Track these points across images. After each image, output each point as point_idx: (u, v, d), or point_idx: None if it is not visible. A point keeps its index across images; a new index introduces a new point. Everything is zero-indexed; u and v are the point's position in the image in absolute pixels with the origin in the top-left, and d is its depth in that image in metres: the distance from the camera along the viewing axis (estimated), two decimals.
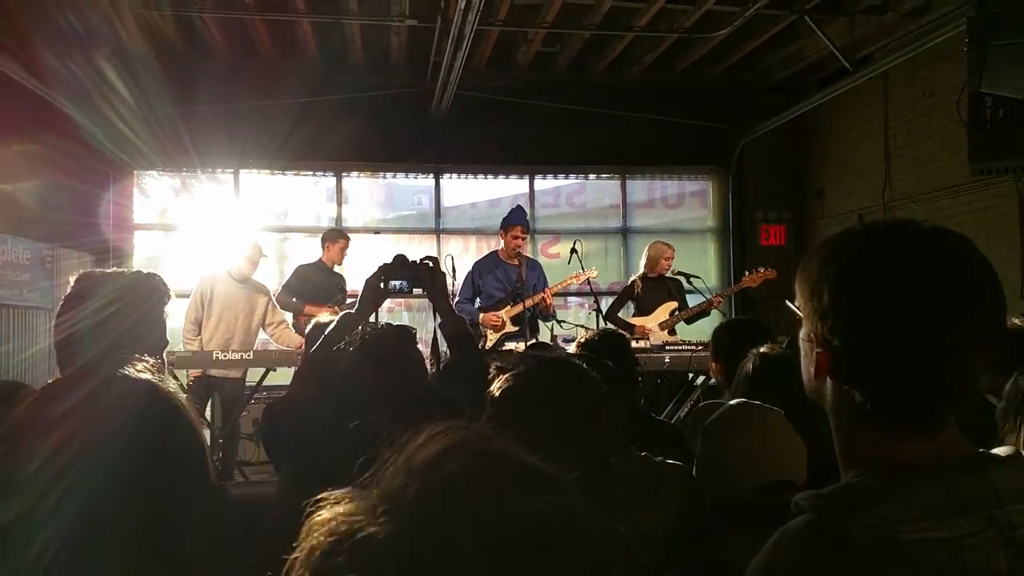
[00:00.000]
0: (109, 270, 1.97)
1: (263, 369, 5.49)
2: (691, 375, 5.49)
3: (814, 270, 0.90)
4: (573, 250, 5.82)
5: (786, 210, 8.30)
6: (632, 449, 1.75)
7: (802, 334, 0.94)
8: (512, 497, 0.55)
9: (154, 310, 1.82)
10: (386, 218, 8.27)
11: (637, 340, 5.18)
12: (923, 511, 0.78)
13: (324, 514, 0.56)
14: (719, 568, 1.43)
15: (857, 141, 7.48)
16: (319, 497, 0.58)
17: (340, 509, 0.56)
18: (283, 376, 5.67)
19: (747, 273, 5.88)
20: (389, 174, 8.04)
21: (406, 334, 2.00)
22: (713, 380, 3.80)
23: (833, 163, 7.90)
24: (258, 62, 7.17)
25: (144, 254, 7.52)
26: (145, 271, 1.94)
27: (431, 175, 8.02)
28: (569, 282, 5.72)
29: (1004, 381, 2.20)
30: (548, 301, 5.48)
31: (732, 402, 1.92)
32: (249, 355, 5.34)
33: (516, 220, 5.64)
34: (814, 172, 8.19)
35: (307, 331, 2.82)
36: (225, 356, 5.26)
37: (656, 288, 5.89)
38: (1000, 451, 0.88)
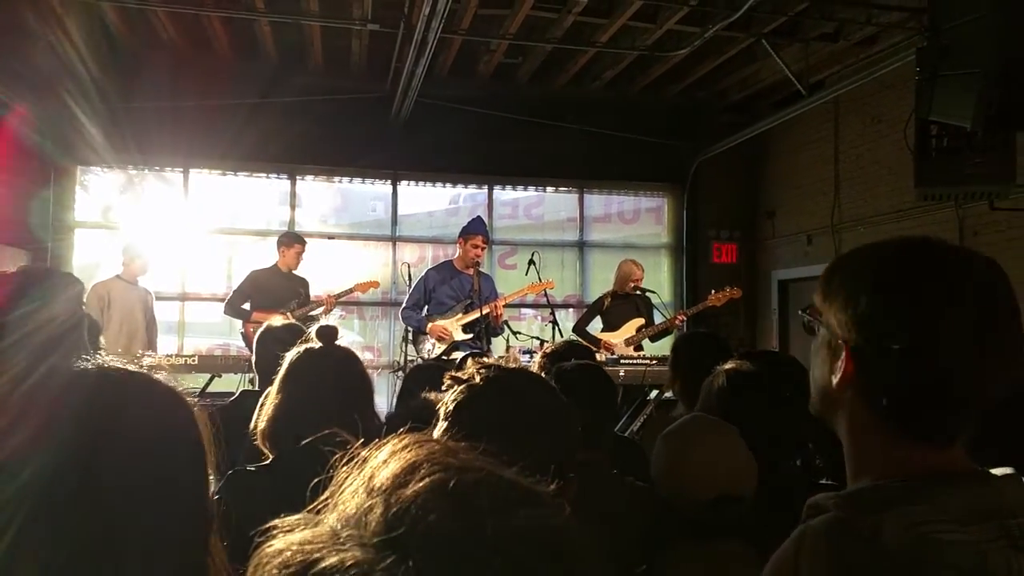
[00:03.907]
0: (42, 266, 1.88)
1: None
2: (645, 388, 5.53)
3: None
4: (531, 262, 5.82)
5: (738, 229, 8.45)
6: (596, 466, 1.73)
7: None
8: (489, 513, 0.49)
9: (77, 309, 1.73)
10: (340, 223, 8.16)
11: (598, 353, 5.19)
12: (950, 515, 0.80)
13: (276, 544, 0.50)
14: None
15: (808, 164, 7.67)
16: (269, 524, 0.52)
17: (294, 537, 0.50)
18: (228, 383, 5.54)
19: (713, 292, 5.95)
20: (345, 179, 7.93)
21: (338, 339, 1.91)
22: (668, 393, 3.82)
23: (784, 184, 8.08)
24: (212, 59, 7.02)
25: (84, 253, 7.27)
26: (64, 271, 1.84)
27: (388, 181, 7.94)
28: (526, 292, 5.71)
29: None
30: (498, 312, 5.45)
31: (689, 415, 1.92)
32: (194, 360, 5.19)
33: (476, 229, 5.62)
34: (766, 192, 8.36)
35: (259, 334, 2.73)
36: (168, 360, 5.11)
37: (624, 305, 5.94)
38: (997, 471, 0.91)
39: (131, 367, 0.91)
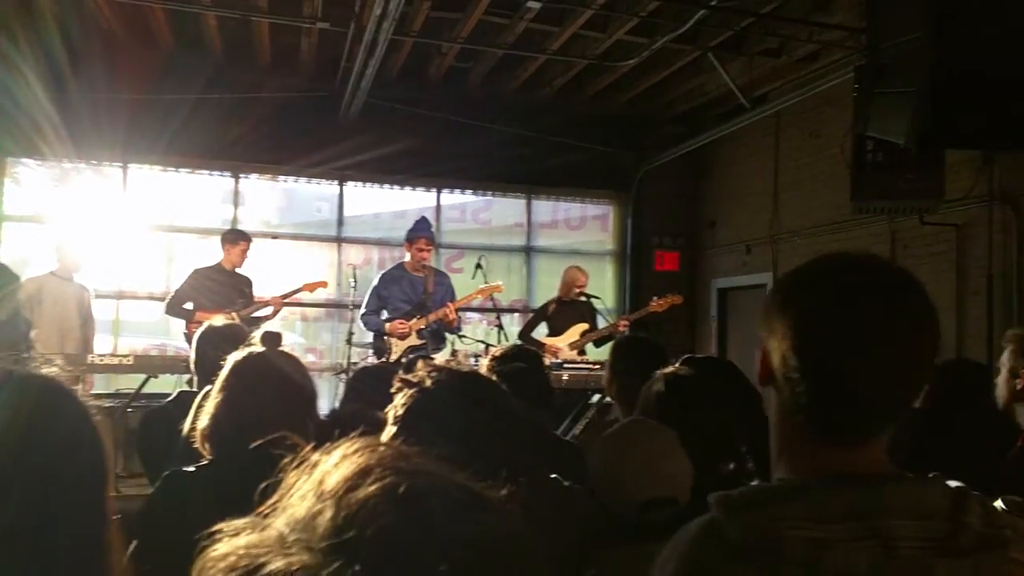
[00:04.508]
0: None
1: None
2: (588, 392, 5.58)
3: (772, 291, 0.99)
4: (478, 265, 5.83)
5: (680, 237, 8.61)
6: (543, 470, 1.74)
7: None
8: (440, 519, 0.49)
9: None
10: (284, 223, 8.02)
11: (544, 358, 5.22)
12: (809, 513, 0.84)
13: (221, 548, 0.49)
14: None
15: (749, 175, 7.86)
16: (213, 529, 0.51)
17: (240, 541, 0.49)
18: (164, 384, 5.39)
19: (655, 298, 6.05)
20: (290, 178, 7.80)
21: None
22: (608, 398, 3.87)
23: (726, 195, 8.26)
24: (154, 51, 6.83)
25: (13, 247, 6.98)
26: None
27: (335, 182, 7.84)
28: (476, 295, 5.71)
29: None
30: (451, 316, 5.44)
31: (628, 419, 1.95)
32: (130, 360, 5.04)
33: (421, 232, 5.59)
34: (708, 202, 8.53)
35: (199, 334, 2.66)
36: (102, 360, 4.94)
37: (568, 310, 5.99)
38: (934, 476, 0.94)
39: (42, 371, 0.90)
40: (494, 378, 1.62)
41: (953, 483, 0.89)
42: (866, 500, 0.85)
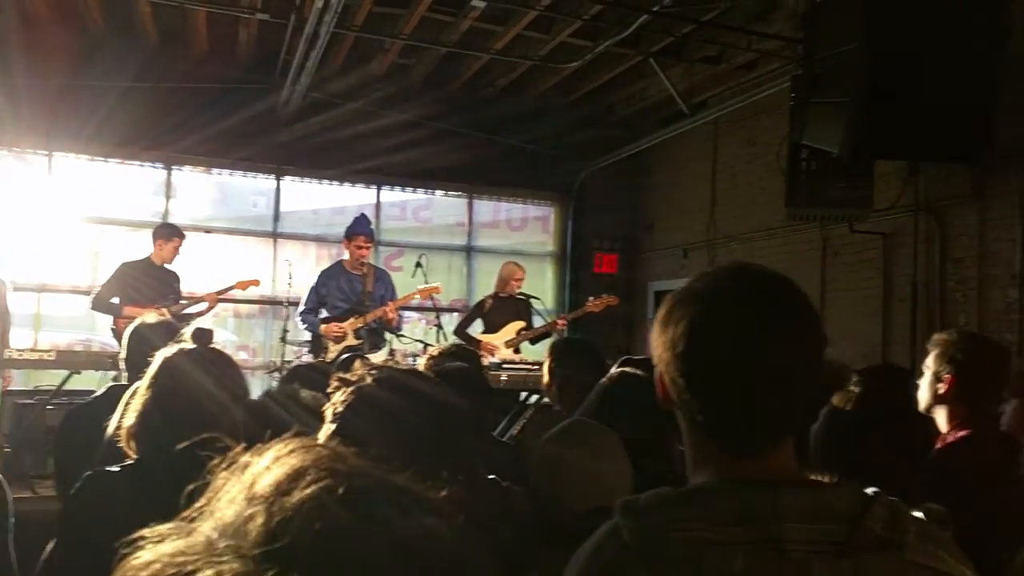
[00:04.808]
0: None
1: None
2: (526, 393, 5.59)
3: (657, 315, 1.00)
4: (418, 264, 5.78)
5: (620, 240, 8.71)
6: (480, 470, 1.72)
7: None
8: (379, 522, 0.47)
9: None
10: (218, 217, 7.80)
11: (482, 357, 5.21)
12: (701, 516, 0.86)
13: (144, 556, 0.46)
14: None
15: (688, 180, 8.00)
16: (136, 535, 0.48)
17: (165, 549, 0.46)
18: (88, 381, 5.18)
19: (591, 299, 6.10)
20: (225, 171, 7.60)
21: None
22: (546, 398, 3.88)
23: (665, 199, 8.40)
24: (84, 37, 6.56)
25: None
26: None
27: (272, 176, 7.67)
28: (415, 295, 5.66)
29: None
30: (391, 315, 5.38)
31: (569, 420, 1.95)
32: (51, 355, 4.82)
33: (359, 230, 5.51)
34: (647, 206, 8.66)
35: (129, 331, 2.56)
36: (20, 355, 4.71)
37: (505, 307, 5.97)
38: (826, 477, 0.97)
39: None
40: (435, 377, 1.60)
41: (868, 489, 0.90)
42: (759, 504, 0.86)
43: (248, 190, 7.92)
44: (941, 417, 2.47)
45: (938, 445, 2.46)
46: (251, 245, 7.68)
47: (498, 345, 5.80)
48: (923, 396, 2.52)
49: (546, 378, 3.02)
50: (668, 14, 5.53)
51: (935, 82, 3.61)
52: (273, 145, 7.24)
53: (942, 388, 2.45)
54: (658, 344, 0.97)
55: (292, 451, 0.51)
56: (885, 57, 3.45)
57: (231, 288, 5.73)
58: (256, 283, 5.91)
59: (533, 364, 5.40)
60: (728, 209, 7.43)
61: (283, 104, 6.95)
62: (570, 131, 8.11)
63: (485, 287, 7.19)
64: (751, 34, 5.90)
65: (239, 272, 5.97)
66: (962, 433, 2.40)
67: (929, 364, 2.52)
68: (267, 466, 0.50)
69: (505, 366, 5.39)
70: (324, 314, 5.49)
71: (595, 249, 8.61)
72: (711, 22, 5.77)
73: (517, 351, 5.88)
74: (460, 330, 5.98)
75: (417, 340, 5.86)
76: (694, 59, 6.60)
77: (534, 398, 5.50)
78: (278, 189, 7.73)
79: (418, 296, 5.65)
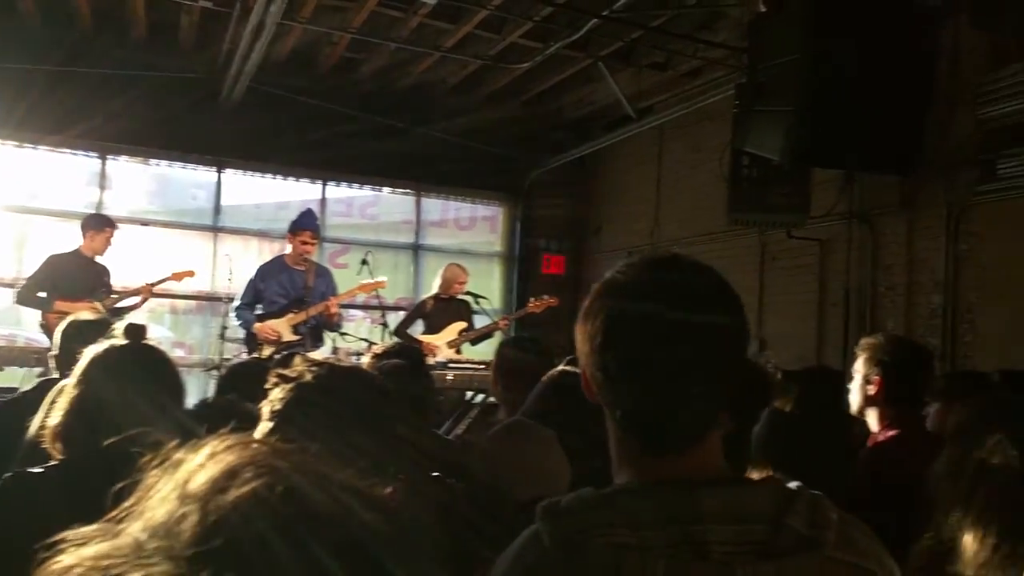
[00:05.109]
0: None
1: None
2: (471, 393, 5.58)
3: (586, 298, 0.98)
4: (364, 261, 5.71)
5: (567, 242, 8.77)
6: (424, 467, 1.71)
7: None
8: (324, 521, 0.46)
9: None
10: (155, 209, 7.58)
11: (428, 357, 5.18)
12: (622, 519, 0.84)
13: (66, 559, 0.44)
14: None
15: (634, 184, 8.10)
16: (57, 538, 0.45)
17: (88, 552, 0.44)
18: (10, 377, 4.97)
19: (532, 299, 6.12)
20: (163, 161, 7.38)
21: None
22: (492, 398, 3.88)
23: (611, 202, 8.49)
24: (13, 19, 6.29)
25: None
26: None
27: (213, 168, 7.48)
28: (357, 291, 5.58)
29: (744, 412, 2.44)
30: (333, 310, 5.30)
31: (510, 419, 1.95)
32: None
33: (306, 224, 5.42)
34: (594, 209, 8.74)
35: (62, 329, 2.46)
36: None
37: (447, 308, 5.95)
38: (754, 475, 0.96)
39: None
40: (376, 375, 1.58)
41: (791, 484, 0.89)
42: (681, 505, 0.85)
43: (187, 182, 7.71)
44: (872, 418, 2.55)
45: (869, 444, 2.54)
46: (190, 239, 7.48)
47: (439, 346, 5.77)
48: (854, 398, 2.61)
49: (493, 378, 3.02)
50: (617, 19, 5.59)
51: (870, 96, 3.74)
52: (214, 136, 7.06)
53: (872, 390, 2.53)
54: (579, 338, 0.95)
55: (229, 447, 0.49)
56: (824, 70, 3.56)
57: (166, 280, 5.57)
58: (191, 274, 5.75)
59: (479, 364, 5.40)
60: (672, 213, 7.55)
61: (226, 95, 6.79)
62: (520, 132, 8.13)
63: (432, 286, 7.15)
64: (697, 42, 6.00)
65: (177, 267, 5.81)
66: (891, 433, 2.48)
67: (859, 367, 2.60)
68: (202, 463, 0.48)
69: (451, 365, 5.38)
70: (260, 310, 5.37)
71: (542, 250, 8.65)
72: (659, 29, 5.85)
73: (459, 352, 5.87)
74: (400, 330, 5.92)
75: (362, 339, 5.79)
76: (642, 65, 6.68)
77: (480, 398, 5.50)
78: (219, 182, 7.54)
79: (361, 292, 5.58)
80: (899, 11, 3.72)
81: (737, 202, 5.30)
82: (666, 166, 7.66)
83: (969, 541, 1.13)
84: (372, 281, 5.54)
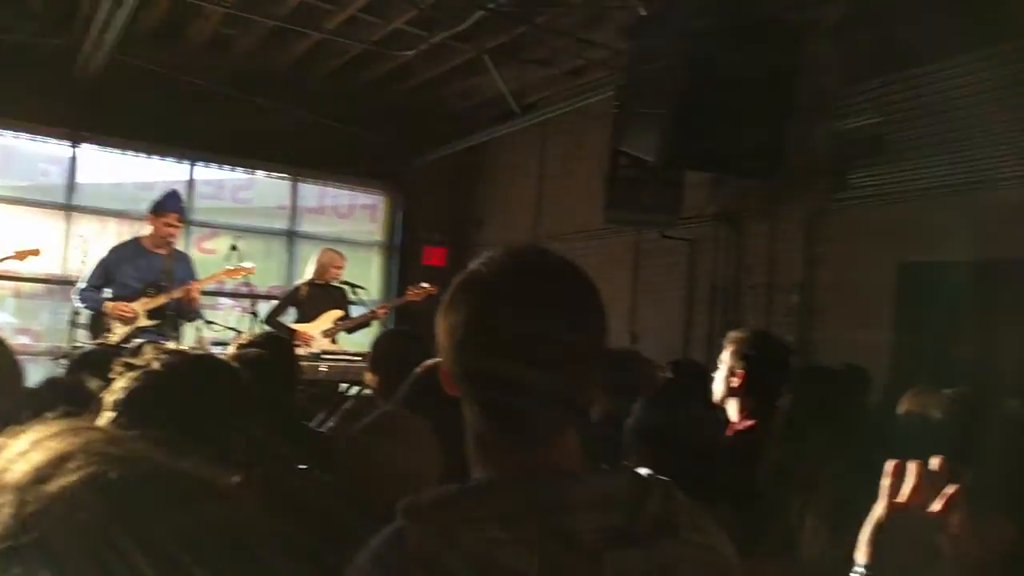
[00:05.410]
0: None
1: None
2: (345, 385, 5.45)
3: (448, 290, 0.97)
4: (233, 247, 5.45)
5: (448, 234, 8.74)
6: (284, 459, 1.65)
7: None
8: (157, 510, 0.42)
9: None
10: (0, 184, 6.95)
11: (297, 347, 5.00)
12: (490, 514, 0.84)
13: None
14: None
15: (516, 179, 8.18)
16: None
17: None
18: None
19: (410, 288, 6.04)
20: (9, 132, 6.77)
21: None
22: (368, 391, 3.81)
23: (494, 196, 8.53)
24: None
25: None
26: None
27: (67, 142, 6.93)
28: (222, 276, 5.31)
29: (618, 404, 2.52)
30: (193, 295, 5.02)
31: (380, 411, 1.92)
32: None
33: (171, 206, 5.11)
34: (477, 201, 8.76)
35: None
36: None
37: (322, 296, 5.75)
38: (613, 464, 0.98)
39: None
40: (236, 364, 1.51)
41: (643, 472, 0.92)
42: (548, 497, 0.85)
43: (37, 156, 7.11)
44: (732, 407, 2.69)
45: (728, 433, 2.68)
46: (40, 218, 6.91)
47: (314, 335, 5.60)
48: (718, 388, 2.74)
49: (369, 368, 2.97)
50: (504, 13, 5.61)
51: (737, 104, 3.94)
52: (70, 108, 6.54)
53: (735, 382, 2.67)
54: (440, 331, 0.93)
55: (57, 434, 0.45)
56: (696, 76, 3.71)
57: (7, 259, 5.11)
58: (36, 253, 5.29)
59: (354, 355, 5.28)
60: (554, 210, 7.67)
61: (83, 64, 6.30)
62: (403, 121, 8.01)
63: (307, 272, 6.94)
64: (581, 41, 6.12)
65: (20, 245, 5.33)
66: (750, 423, 2.63)
67: (724, 359, 2.74)
68: (24, 451, 0.44)
69: (324, 357, 5.22)
70: (108, 293, 5.01)
71: (424, 241, 8.57)
72: (544, 25, 5.91)
73: (334, 341, 5.72)
74: (272, 318, 5.69)
75: (229, 327, 5.53)
76: (527, 60, 6.74)
77: (355, 389, 5.38)
78: (74, 157, 7.00)
79: (226, 277, 5.32)
80: (766, 24, 3.93)
81: (614, 201, 5.43)
82: (548, 163, 7.78)
83: (811, 524, 1.20)
84: (238, 267, 5.29)
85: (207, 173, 7.68)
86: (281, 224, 8.01)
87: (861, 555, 0.94)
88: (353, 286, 5.90)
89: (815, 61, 4.95)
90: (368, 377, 2.99)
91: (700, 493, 1.03)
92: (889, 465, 0.96)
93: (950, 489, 0.92)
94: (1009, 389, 2.94)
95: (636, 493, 0.87)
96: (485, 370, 0.89)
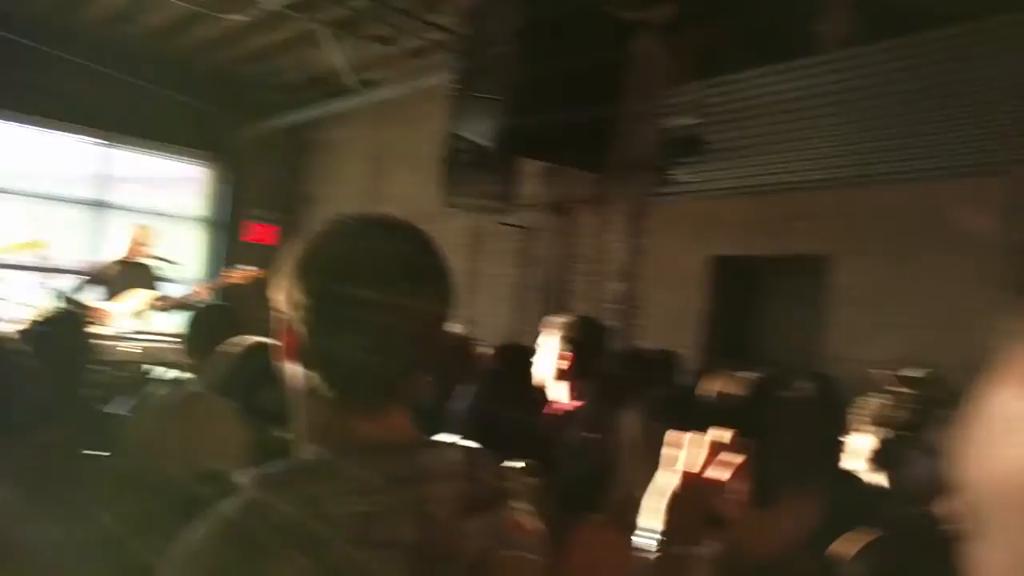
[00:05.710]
0: None
1: None
2: (150, 366, 5.10)
3: (288, 260, 0.95)
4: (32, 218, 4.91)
5: (278, 211, 8.37)
6: (75, 445, 1.52)
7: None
8: None
9: None
10: None
11: (96, 325, 4.60)
12: (351, 487, 0.85)
13: None
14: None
15: (352, 158, 7.97)
16: None
17: None
18: None
19: (225, 271, 5.76)
20: None
21: None
22: (176, 372, 3.61)
23: (329, 175, 8.27)
24: None
25: None
26: None
27: None
28: (11, 250, 4.79)
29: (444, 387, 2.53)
30: None
31: (181, 391, 1.85)
32: None
33: None
34: (310, 179, 8.45)
35: None
36: None
37: (132, 273, 5.37)
38: (440, 437, 1.02)
39: None
40: (18, 340, 1.36)
41: (470, 444, 0.98)
42: (405, 467, 0.88)
43: None
44: (559, 389, 2.79)
45: (555, 413, 2.77)
46: None
47: (114, 313, 5.19)
48: (545, 371, 2.83)
49: (182, 349, 2.80)
50: None
51: (571, 96, 4.06)
52: None
53: (563, 364, 2.78)
54: (283, 297, 0.92)
55: None
56: (531, 65, 3.78)
57: None
58: None
59: (162, 335, 4.94)
60: (391, 190, 7.53)
61: None
62: (231, 90, 7.55)
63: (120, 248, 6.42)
64: (421, 21, 6.04)
65: None
66: (576, 404, 2.74)
67: (551, 344, 2.83)
68: None
69: (132, 336, 4.85)
70: None
71: (251, 218, 8.16)
72: (384, 2, 5.78)
73: (145, 321, 5.34)
74: (74, 295, 5.24)
75: (21, 303, 4.99)
76: (366, 36, 6.56)
77: (161, 370, 5.04)
78: None
79: (16, 251, 4.81)
80: (598, 20, 4.07)
81: (451, 185, 5.43)
82: (386, 143, 7.63)
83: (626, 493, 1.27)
84: (29, 242, 4.80)
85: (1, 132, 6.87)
86: (88, 192, 7.32)
87: (656, 521, 1.00)
88: (168, 262, 5.53)
89: (644, 59, 5.19)
90: (182, 355, 2.81)
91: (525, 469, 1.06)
92: (675, 436, 1.03)
93: (738, 459, 0.99)
94: (799, 370, 3.24)
95: (471, 463, 0.91)
96: (330, 336, 0.89)
